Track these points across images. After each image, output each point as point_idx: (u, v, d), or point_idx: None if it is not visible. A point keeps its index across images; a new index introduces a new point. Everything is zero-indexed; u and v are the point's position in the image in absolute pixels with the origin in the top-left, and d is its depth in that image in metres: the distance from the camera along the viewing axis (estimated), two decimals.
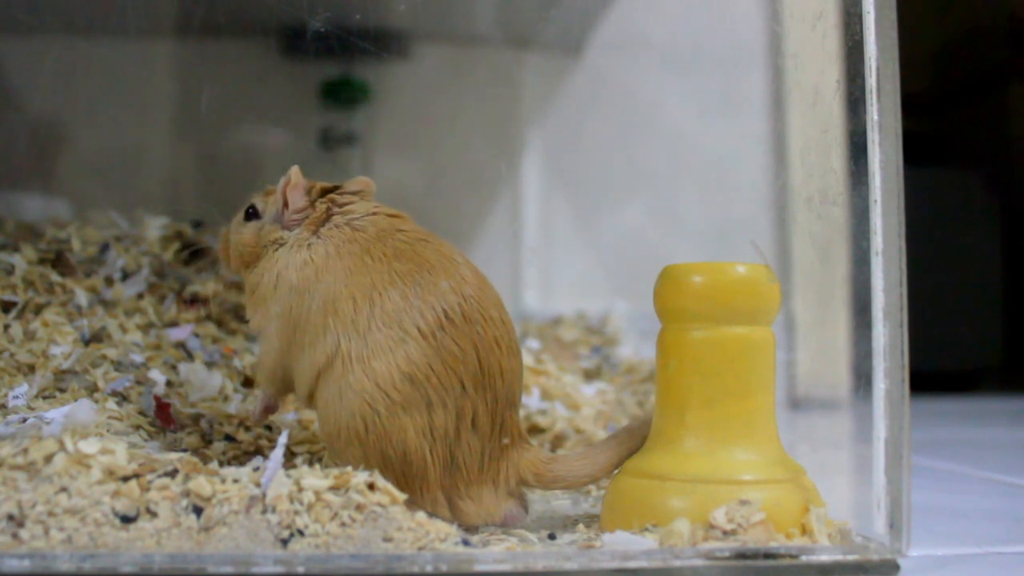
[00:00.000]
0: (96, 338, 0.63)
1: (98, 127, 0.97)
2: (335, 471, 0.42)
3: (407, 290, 0.49)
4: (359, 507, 0.41)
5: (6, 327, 0.61)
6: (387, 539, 0.41)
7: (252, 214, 0.54)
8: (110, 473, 0.41)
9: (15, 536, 0.40)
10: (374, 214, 0.52)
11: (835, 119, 0.51)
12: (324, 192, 0.53)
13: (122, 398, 0.58)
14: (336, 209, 0.53)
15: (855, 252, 0.47)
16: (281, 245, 0.52)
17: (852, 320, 0.49)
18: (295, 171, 0.53)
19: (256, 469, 0.43)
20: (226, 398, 0.62)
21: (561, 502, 0.58)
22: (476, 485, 0.48)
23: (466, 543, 0.43)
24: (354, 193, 0.54)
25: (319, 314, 0.49)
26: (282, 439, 0.43)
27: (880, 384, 0.45)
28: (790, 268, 0.95)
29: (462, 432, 0.48)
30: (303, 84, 1.02)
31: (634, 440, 0.51)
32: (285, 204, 0.53)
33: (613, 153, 1.15)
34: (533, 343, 0.86)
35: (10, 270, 0.66)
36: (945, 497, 0.66)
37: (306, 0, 0.60)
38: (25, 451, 0.41)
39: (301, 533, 0.41)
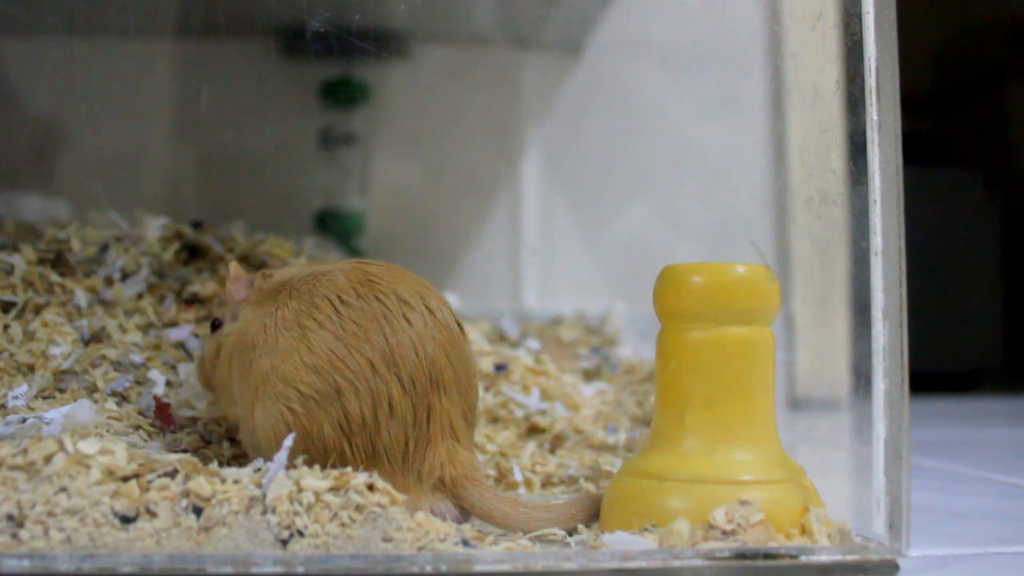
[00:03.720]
0: (96, 338, 0.63)
1: (98, 127, 0.97)
2: (334, 472, 0.42)
3: (303, 295, 0.49)
4: (358, 507, 0.41)
5: (6, 327, 0.61)
6: (387, 539, 0.41)
7: (216, 326, 0.55)
8: (110, 473, 0.41)
9: (15, 536, 0.40)
10: (293, 269, 0.53)
11: (835, 119, 0.51)
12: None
13: (122, 398, 0.58)
14: (262, 282, 0.53)
15: (855, 252, 0.47)
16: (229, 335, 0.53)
17: (852, 320, 0.49)
18: (233, 266, 0.54)
19: (257, 470, 0.43)
20: None
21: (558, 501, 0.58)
22: (401, 476, 0.47)
23: (466, 543, 0.43)
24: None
25: (247, 363, 0.50)
26: (287, 441, 0.43)
27: (880, 384, 0.45)
28: (790, 268, 0.95)
29: (380, 419, 0.47)
30: (303, 84, 1.02)
31: (572, 517, 0.48)
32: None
33: (613, 153, 1.15)
34: (533, 343, 0.86)
35: (10, 270, 0.66)
36: (945, 497, 0.66)
37: (306, 0, 0.60)
38: (25, 451, 0.41)
39: (301, 534, 0.41)
